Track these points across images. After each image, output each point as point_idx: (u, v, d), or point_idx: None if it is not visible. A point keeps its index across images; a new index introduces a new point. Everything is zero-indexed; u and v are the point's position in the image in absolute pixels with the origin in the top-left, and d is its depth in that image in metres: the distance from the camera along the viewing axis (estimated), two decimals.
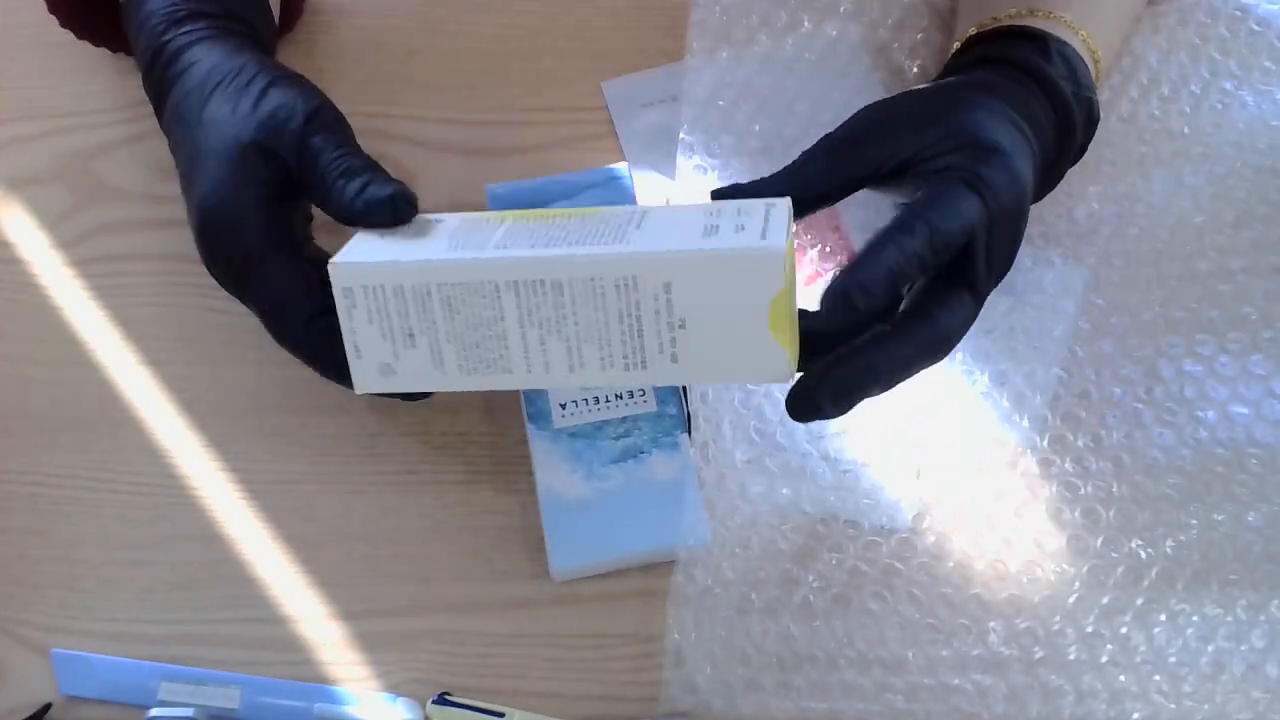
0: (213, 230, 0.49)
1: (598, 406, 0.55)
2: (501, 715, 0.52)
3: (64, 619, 0.55)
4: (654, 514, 0.54)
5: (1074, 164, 0.55)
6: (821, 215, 0.58)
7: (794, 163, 0.49)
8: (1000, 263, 0.47)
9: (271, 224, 0.48)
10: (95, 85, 0.63)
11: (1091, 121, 0.53)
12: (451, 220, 0.47)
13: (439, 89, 0.63)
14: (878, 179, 0.48)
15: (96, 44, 0.61)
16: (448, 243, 0.44)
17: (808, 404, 0.45)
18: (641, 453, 0.55)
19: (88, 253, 0.60)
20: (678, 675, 0.53)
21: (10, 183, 0.62)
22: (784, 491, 0.56)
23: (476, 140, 0.62)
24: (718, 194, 0.48)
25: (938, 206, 0.45)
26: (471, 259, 0.43)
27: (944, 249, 0.45)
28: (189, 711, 0.53)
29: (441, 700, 0.53)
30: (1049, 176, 0.53)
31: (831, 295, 0.43)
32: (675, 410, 0.55)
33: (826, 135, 0.49)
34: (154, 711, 0.53)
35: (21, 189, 0.61)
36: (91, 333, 0.59)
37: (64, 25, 0.59)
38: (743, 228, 0.43)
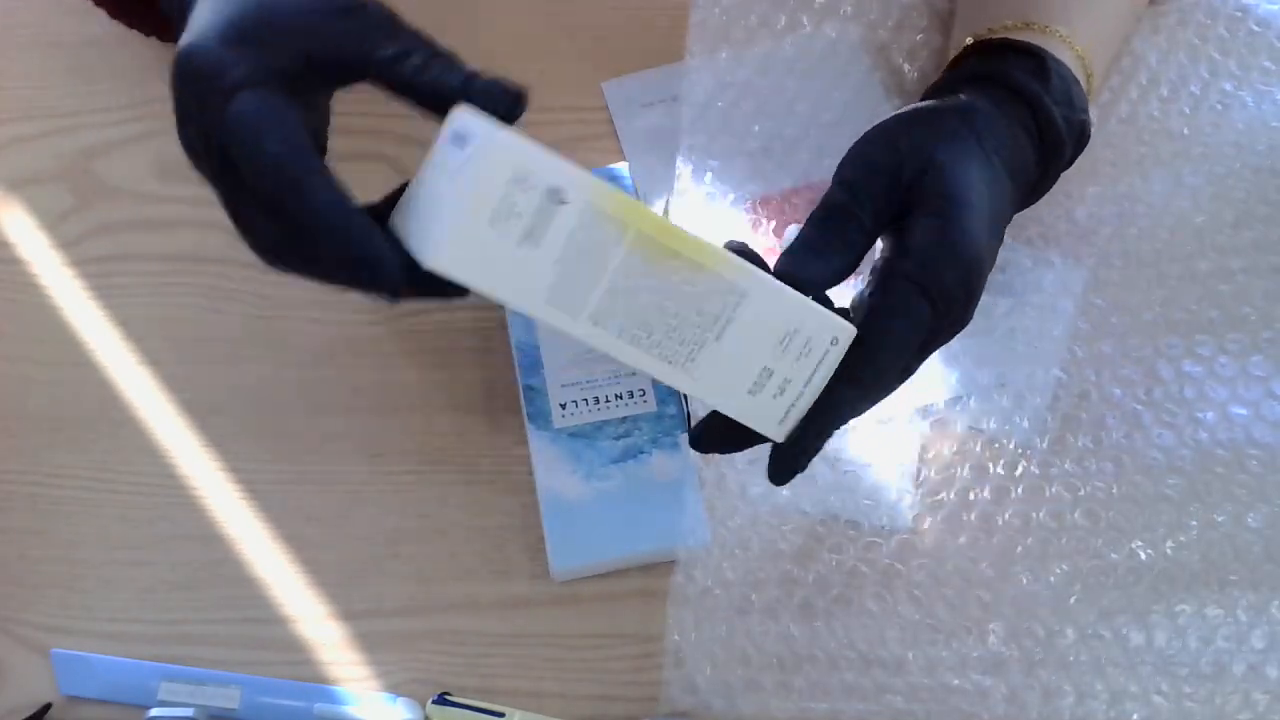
0: (192, 63, 0.43)
1: (598, 407, 0.55)
2: (501, 715, 0.52)
3: (64, 619, 0.55)
4: (654, 514, 0.54)
5: (1061, 173, 0.55)
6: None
7: (823, 230, 0.48)
8: (947, 334, 0.47)
9: (259, 65, 0.42)
10: (95, 85, 0.63)
11: (1082, 141, 0.53)
12: (568, 218, 0.41)
13: None
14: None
15: (129, 26, 0.59)
16: (552, 280, 0.41)
17: (789, 471, 0.47)
18: (641, 453, 0.55)
19: (88, 253, 0.60)
20: (678, 675, 0.53)
21: (10, 183, 0.62)
22: (784, 492, 0.56)
23: None
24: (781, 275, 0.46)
25: (889, 341, 0.45)
26: (561, 327, 0.42)
27: (903, 368, 0.46)
28: (189, 711, 0.53)
29: (441, 700, 0.53)
30: (1029, 196, 0.53)
31: (776, 467, 0.46)
32: (675, 410, 0.55)
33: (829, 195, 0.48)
34: (154, 711, 0.53)
35: (21, 189, 0.61)
36: (91, 333, 0.59)
37: (97, 3, 0.58)
38: (782, 390, 0.44)
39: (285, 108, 0.42)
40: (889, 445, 0.56)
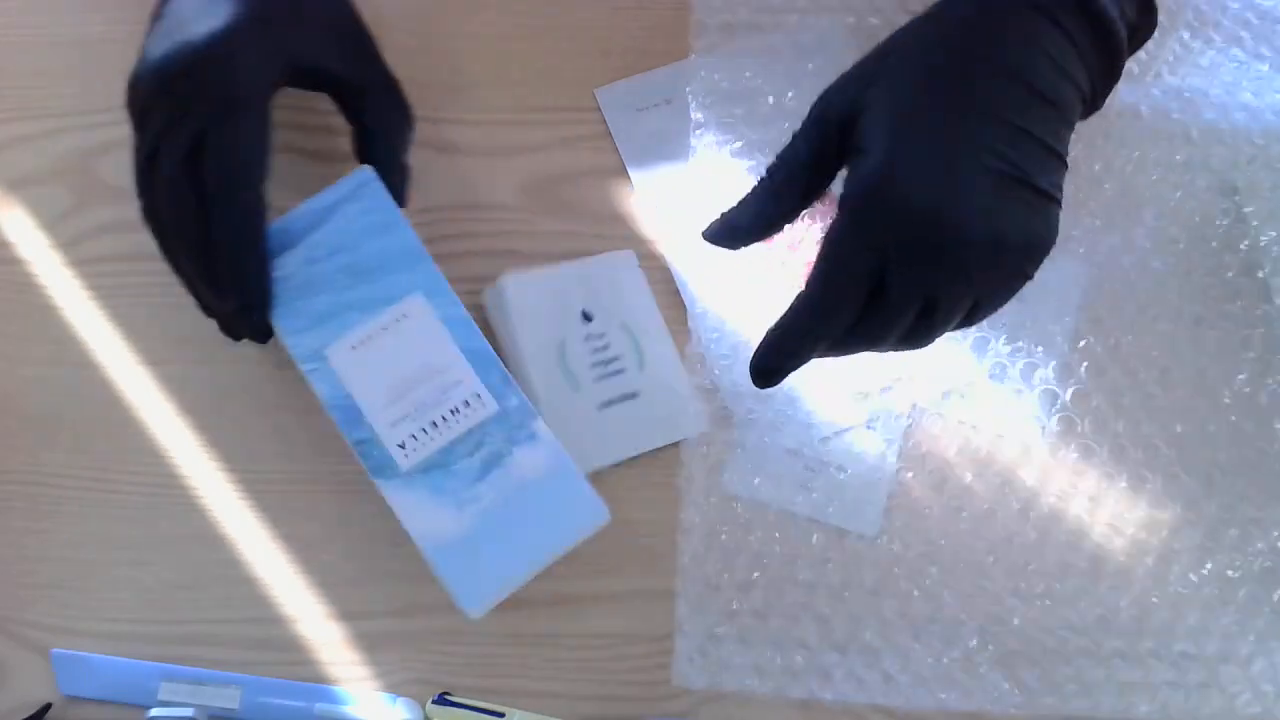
0: (205, 57, 0.48)
1: (437, 430, 0.51)
2: (501, 715, 0.52)
3: (64, 619, 0.55)
4: (544, 514, 0.50)
5: (1140, 47, 0.50)
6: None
7: (770, 178, 0.48)
8: (910, 281, 0.44)
9: (267, 83, 0.49)
10: (95, 85, 0.63)
11: (1147, 9, 0.48)
12: None
13: (440, 89, 0.63)
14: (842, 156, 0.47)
15: None
16: None
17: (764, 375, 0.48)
18: (503, 458, 0.50)
19: (88, 253, 0.60)
20: (679, 670, 0.54)
21: (10, 183, 0.62)
22: (778, 493, 0.56)
23: (476, 140, 0.62)
24: (710, 237, 0.50)
25: (823, 285, 0.45)
26: None
27: (843, 315, 0.45)
28: (189, 711, 0.53)
29: (441, 700, 0.53)
30: (1096, 97, 0.48)
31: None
32: (517, 401, 0.51)
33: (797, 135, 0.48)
34: (154, 711, 0.53)
35: (21, 189, 0.61)
36: (91, 333, 0.59)
37: None
38: None
39: (266, 135, 0.49)
40: (873, 444, 0.56)
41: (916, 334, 0.46)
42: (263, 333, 0.52)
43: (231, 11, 0.48)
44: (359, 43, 0.54)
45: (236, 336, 0.53)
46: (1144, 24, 0.49)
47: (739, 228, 0.49)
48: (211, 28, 0.48)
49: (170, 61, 0.47)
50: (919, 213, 0.43)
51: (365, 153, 0.54)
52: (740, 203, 0.49)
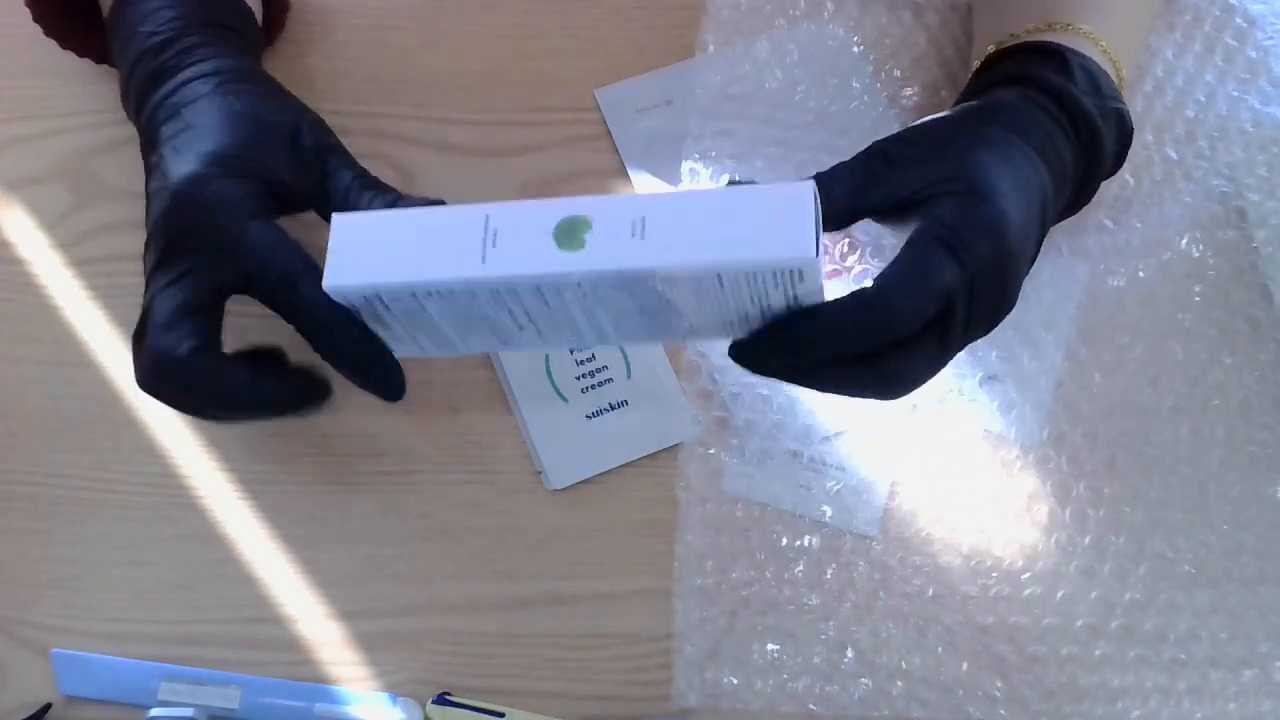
0: (188, 205, 0.47)
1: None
2: (501, 715, 0.52)
3: (64, 619, 0.55)
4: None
5: (1112, 175, 0.54)
6: None
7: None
8: (985, 316, 0.46)
9: (258, 194, 0.48)
10: (95, 85, 0.63)
11: (1124, 133, 0.52)
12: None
13: (439, 89, 0.63)
14: (881, 215, 0.47)
15: (81, 54, 0.60)
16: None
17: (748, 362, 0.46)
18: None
19: (88, 253, 0.60)
20: (681, 674, 0.54)
21: (10, 183, 0.62)
22: (777, 493, 0.56)
23: (476, 140, 0.62)
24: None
25: (904, 281, 0.43)
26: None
27: (910, 319, 0.43)
28: (189, 711, 0.53)
29: (441, 700, 0.53)
30: (1080, 193, 0.52)
31: (737, 350, 0.45)
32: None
33: (837, 165, 0.48)
34: (154, 711, 0.53)
35: (21, 189, 0.61)
36: (91, 333, 0.59)
37: (48, 35, 0.59)
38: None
39: (286, 233, 0.48)
40: (875, 449, 0.56)
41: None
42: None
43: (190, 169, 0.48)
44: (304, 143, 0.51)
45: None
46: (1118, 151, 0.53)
47: None
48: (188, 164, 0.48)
49: (171, 212, 0.48)
50: (1007, 236, 0.45)
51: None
52: None
